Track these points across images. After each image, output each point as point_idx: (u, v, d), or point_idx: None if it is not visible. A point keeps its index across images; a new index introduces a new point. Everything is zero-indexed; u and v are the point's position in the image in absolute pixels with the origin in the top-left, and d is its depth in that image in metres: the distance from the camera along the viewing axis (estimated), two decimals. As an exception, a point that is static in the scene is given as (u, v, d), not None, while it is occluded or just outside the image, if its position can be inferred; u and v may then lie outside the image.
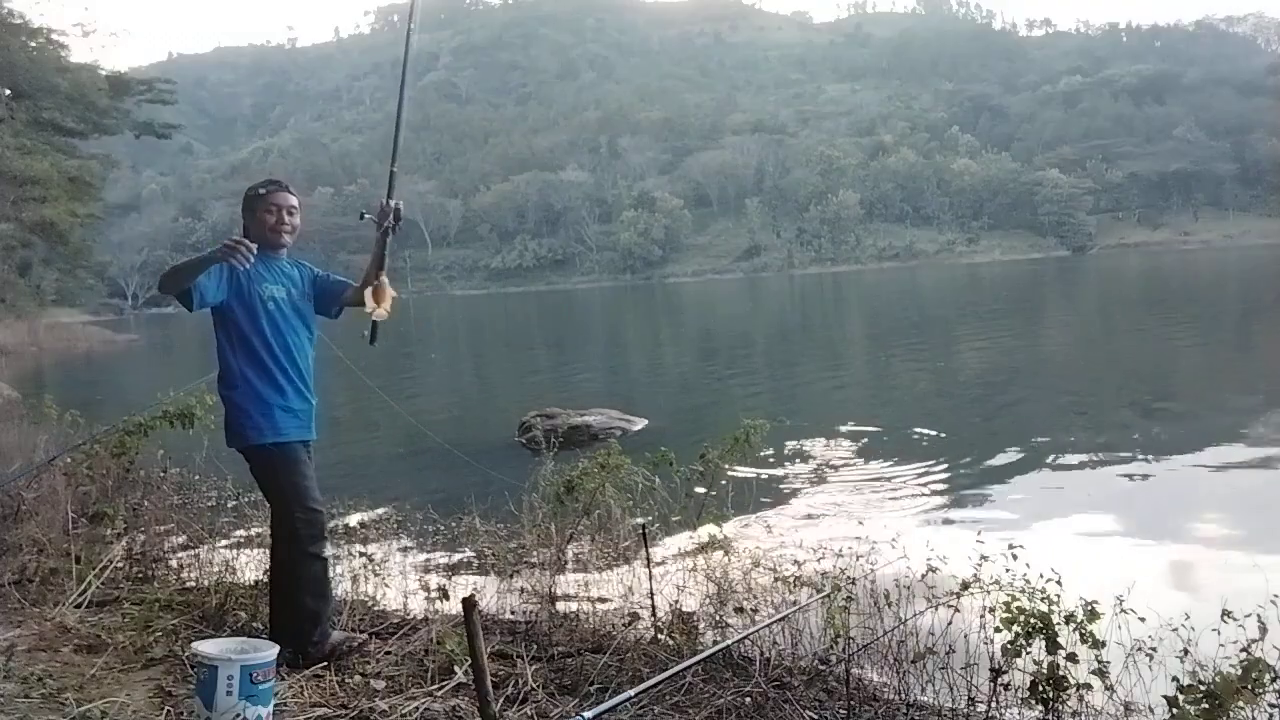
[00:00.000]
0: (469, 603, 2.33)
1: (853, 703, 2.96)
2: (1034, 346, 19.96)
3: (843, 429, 10.50)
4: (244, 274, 3.23)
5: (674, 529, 5.56)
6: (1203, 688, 2.32)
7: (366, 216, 3.56)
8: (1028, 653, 2.72)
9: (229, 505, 5.86)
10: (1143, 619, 2.79)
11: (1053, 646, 2.69)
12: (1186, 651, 2.62)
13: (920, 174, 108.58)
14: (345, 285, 3.62)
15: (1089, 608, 2.72)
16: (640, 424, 11.23)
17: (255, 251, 2.95)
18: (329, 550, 3.41)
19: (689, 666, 2.88)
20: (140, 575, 4.47)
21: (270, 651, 2.68)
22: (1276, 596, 2.59)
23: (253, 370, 3.29)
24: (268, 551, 3.51)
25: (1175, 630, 2.69)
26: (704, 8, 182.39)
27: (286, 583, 3.25)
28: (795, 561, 3.90)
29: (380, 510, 6.15)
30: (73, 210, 35.42)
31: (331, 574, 3.47)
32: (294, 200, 3.48)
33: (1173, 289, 37.02)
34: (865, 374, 17.41)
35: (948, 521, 6.51)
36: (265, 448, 3.26)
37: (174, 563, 4.75)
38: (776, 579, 3.79)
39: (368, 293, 3.46)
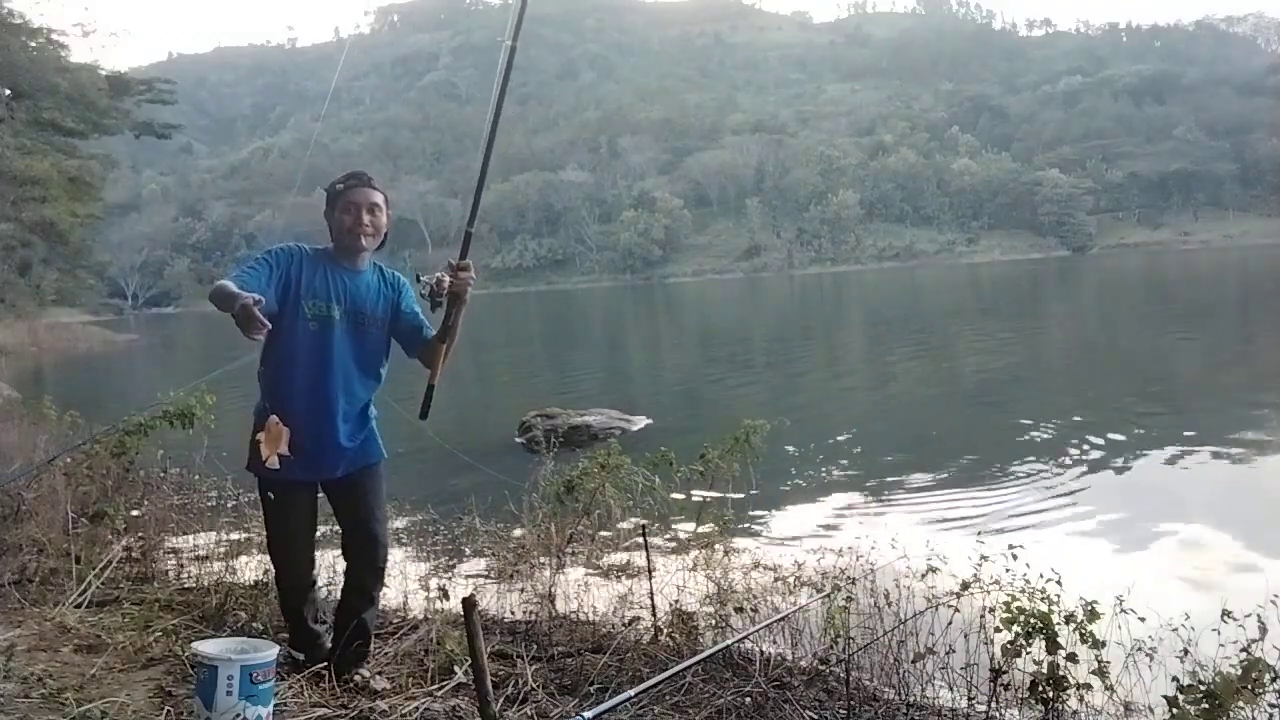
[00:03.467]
0: (469, 603, 2.33)
1: (853, 703, 2.96)
2: (1034, 346, 19.96)
3: (843, 429, 10.50)
4: (295, 281, 2.94)
5: (674, 529, 5.56)
6: (1203, 688, 2.32)
7: (423, 281, 3.05)
8: (1028, 653, 2.72)
9: (229, 505, 5.86)
10: (1143, 619, 2.79)
11: (1053, 646, 2.70)
12: (1186, 651, 2.62)
13: (920, 174, 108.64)
14: (422, 337, 3.16)
15: (1089, 608, 2.72)
16: (640, 424, 11.23)
17: (264, 330, 2.55)
18: (298, 599, 3.17)
19: (689, 666, 2.89)
20: (140, 575, 4.47)
21: (270, 651, 2.68)
22: (1276, 596, 2.59)
23: (270, 397, 2.99)
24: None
25: (1175, 630, 2.69)
26: (704, 8, 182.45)
27: None
28: (795, 561, 3.91)
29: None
30: (73, 210, 35.47)
31: (312, 611, 3.24)
32: (378, 197, 3.06)
33: (1173, 289, 37.02)
34: (866, 374, 17.41)
35: (948, 521, 6.51)
36: (260, 480, 3.09)
37: (174, 563, 4.75)
38: (776, 579, 3.79)
39: (264, 437, 2.90)
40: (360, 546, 3.13)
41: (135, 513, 5.03)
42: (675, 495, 5.20)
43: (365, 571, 3.13)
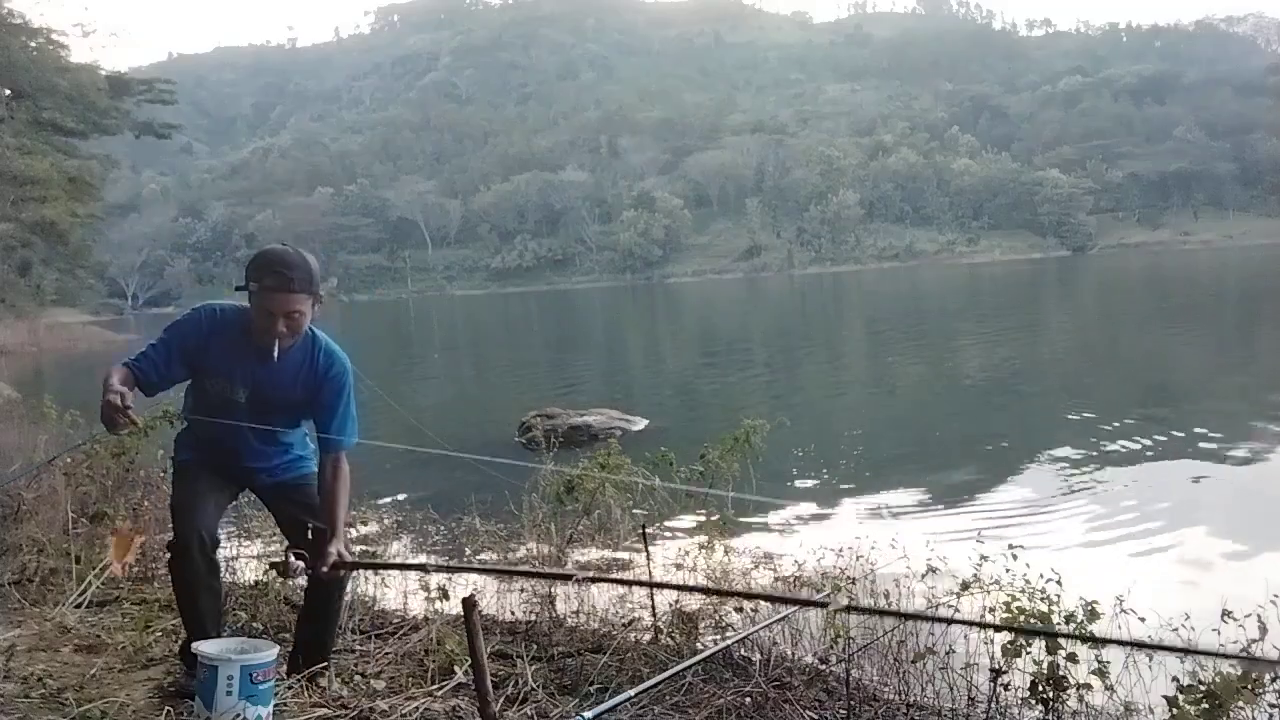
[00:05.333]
0: (469, 603, 2.33)
1: (853, 703, 2.96)
2: (1035, 347, 19.96)
3: (843, 429, 10.50)
4: (202, 356, 2.76)
5: (674, 529, 5.56)
6: (1203, 688, 2.32)
7: (289, 563, 2.69)
8: (1028, 653, 2.72)
9: (228, 505, 5.84)
10: (1143, 619, 2.79)
11: (1053, 646, 2.70)
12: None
13: (920, 174, 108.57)
14: (322, 466, 2.89)
15: (1089, 608, 2.72)
16: (640, 424, 11.23)
17: (127, 428, 2.52)
18: (196, 583, 2.83)
19: (689, 666, 2.89)
20: (140, 575, 4.47)
21: (270, 651, 2.68)
22: (1276, 596, 2.60)
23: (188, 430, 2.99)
24: (266, 551, 3.49)
25: (1175, 630, 2.69)
26: (704, 8, 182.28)
27: None
28: (795, 561, 3.91)
29: (380, 510, 6.16)
30: (73, 210, 35.47)
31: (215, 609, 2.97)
32: (297, 302, 2.65)
33: (1173, 289, 37.01)
34: (866, 374, 17.41)
35: (948, 521, 6.51)
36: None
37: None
38: (776, 579, 3.79)
39: (114, 540, 2.81)
40: (298, 538, 2.93)
41: (135, 513, 5.02)
42: (675, 495, 5.20)
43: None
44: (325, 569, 2.67)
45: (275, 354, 2.72)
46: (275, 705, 2.72)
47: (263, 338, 2.70)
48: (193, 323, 2.79)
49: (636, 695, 2.26)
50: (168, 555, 2.85)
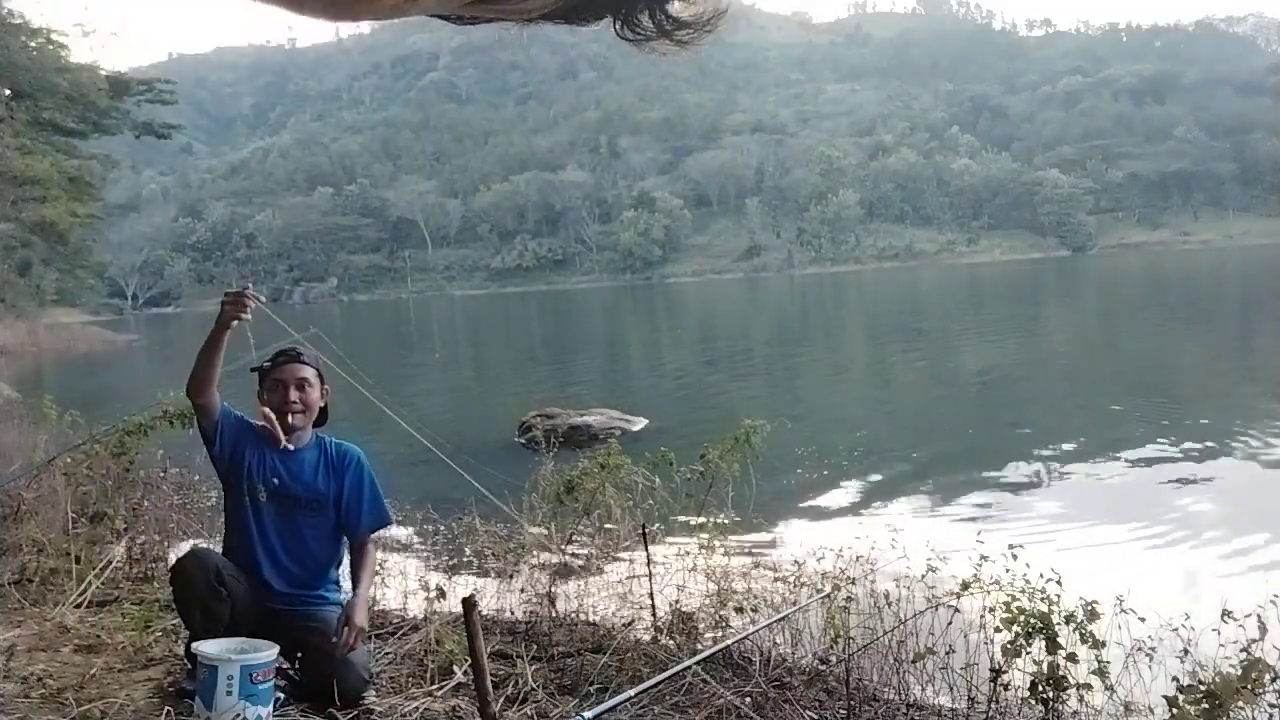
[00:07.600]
0: (469, 603, 2.33)
1: (853, 703, 2.96)
2: (1034, 347, 19.96)
3: (843, 429, 10.50)
4: (243, 452, 2.95)
5: (674, 529, 5.55)
6: (1203, 688, 2.32)
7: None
8: (1028, 653, 2.72)
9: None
10: (1143, 619, 2.79)
11: (1053, 647, 2.70)
12: (1186, 651, 2.63)
13: (920, 174, 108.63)
14: (351, 531, 3.07)
15: (1089, 608, 2.72)
16: (640, 424, 11.22)
17: (250, 305, 2.73)
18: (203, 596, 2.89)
19: (689, 666, 2.89)
20: (140, 575, 4.47)
21: (270, 651, 2.68)
22: (1276, 596, 2.59)
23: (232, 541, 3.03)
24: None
25: (1175, 630, 2.69)
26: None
27: None
28: (795, 561, 3.90)
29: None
30: (73, 210, 35.47)
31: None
32: (307, 371, 2.97)
33: (1173, 289, 37.01)
34: (866, 374, 17.41)
35: (948, 521, 6.51)
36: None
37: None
38: (776, 579, 3.79)
39: None
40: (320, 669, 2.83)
41: (135, 513, 5.03)
42: (675, 495, 5.19)
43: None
44: (352, 637, 2.77)
45: (290, 421, 2.93)
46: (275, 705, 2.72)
47: (278, 420, 2.93)
48: (244, 418, 3.09)
49: (636, 695, 2.27)
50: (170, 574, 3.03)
